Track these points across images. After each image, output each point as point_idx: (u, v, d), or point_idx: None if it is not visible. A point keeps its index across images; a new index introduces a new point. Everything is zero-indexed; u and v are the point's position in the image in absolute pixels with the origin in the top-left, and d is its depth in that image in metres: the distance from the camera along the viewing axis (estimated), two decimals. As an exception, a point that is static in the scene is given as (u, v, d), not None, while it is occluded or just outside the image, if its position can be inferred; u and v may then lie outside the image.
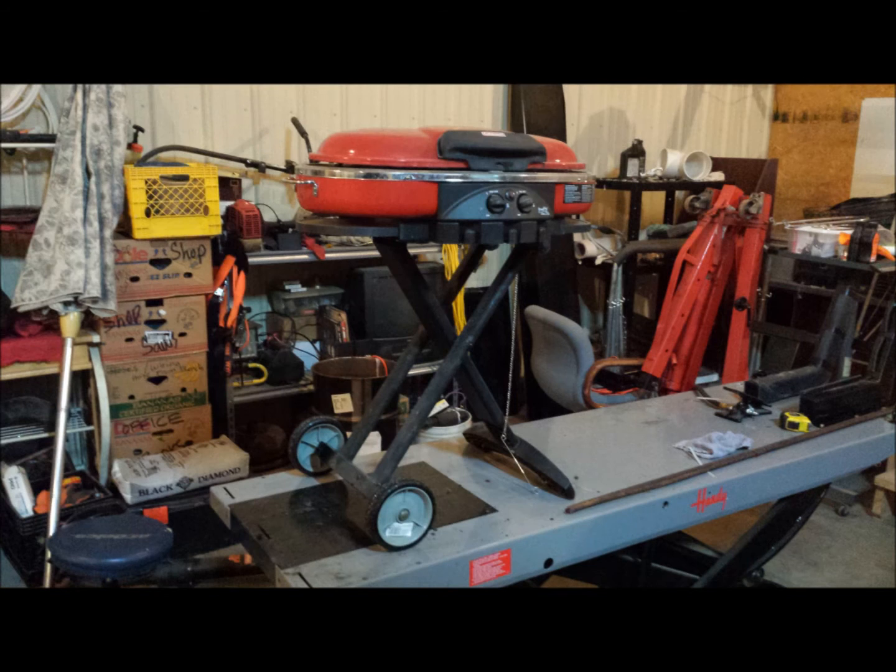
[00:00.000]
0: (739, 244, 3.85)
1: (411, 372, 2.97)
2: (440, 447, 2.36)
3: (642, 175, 4.56)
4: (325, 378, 3.56)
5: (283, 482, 2.09)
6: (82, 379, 3.40)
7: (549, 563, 1.87)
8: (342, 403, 3.48)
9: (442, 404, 3.98)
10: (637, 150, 4.57)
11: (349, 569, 1.66)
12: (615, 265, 4.26)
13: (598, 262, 4.47)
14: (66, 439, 3.06)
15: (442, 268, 4.18)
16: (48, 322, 3.09)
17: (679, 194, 5.08)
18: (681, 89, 5.20)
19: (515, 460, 2.09)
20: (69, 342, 2.97)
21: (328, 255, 3.71)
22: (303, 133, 3.76)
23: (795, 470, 2.32)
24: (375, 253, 3.42)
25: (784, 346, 4.59)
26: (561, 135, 4.50)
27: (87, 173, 2.94)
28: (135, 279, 3.19)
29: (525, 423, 2.61)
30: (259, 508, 1.94)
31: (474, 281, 4.55)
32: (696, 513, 2.12)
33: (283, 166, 3.86)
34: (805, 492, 2.47)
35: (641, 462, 2.23)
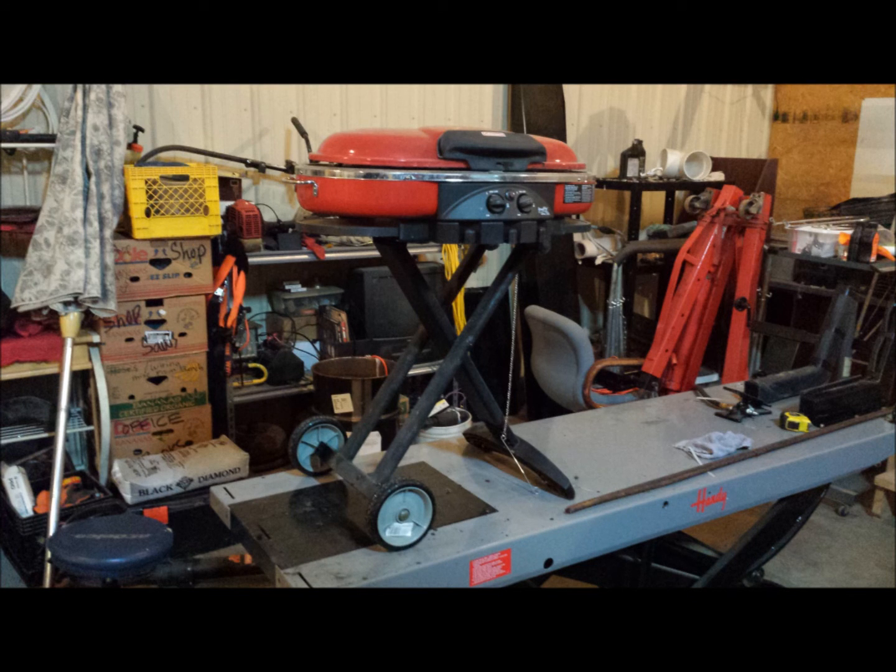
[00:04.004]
0: (739, 244, 3.85)
1: (411, 372, 2.98)
2: (440, 447, 2.36)
3: (642, 175, 4.56)
4: (325, 378, 3.56)
5: (283, 482, 2.09)
6: (82, 379, 3.40)
7: (549, 563, 1.87)
8: (342, 403, 3.48)
9: (442, 404, 3.97)
10: (637, 150, 4.57)
11: (349, 569, 1.66)
12: (615, 265, 4.26)
13: (598, 262, 4.47)
14: (66, 439, 3.06)
15: (442, 268, 4.18)
16: (48, 322, 3.09)
17: (679, 194, 5.08)
18: (681, 89, 5.20)
19: (515, 460, 2.09)
20: (69, 342, 2.98)
21: (328, 255, 3.71)
22: (303, 133, 3.76)
23: (795, 470, 2.33)
24: (375, 253, 3.43)
25: (784, 346, 4.59)
26: (561, 135, 4.50)
27: (87, 173, 2.94)
28: (135, 279, 3.19)
29: (525, 423, 2.61)
30: (259, 508, 1.94)
31: (474, 281, 4.55)
32: (696, 513, 2.12)
33: (283, 166, 3.86)
34: (805, 492, 2.47)
35: (641, 462, 2.24)
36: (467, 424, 3.87)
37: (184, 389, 3.38)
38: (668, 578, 2.51)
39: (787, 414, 2.54)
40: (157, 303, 3.26)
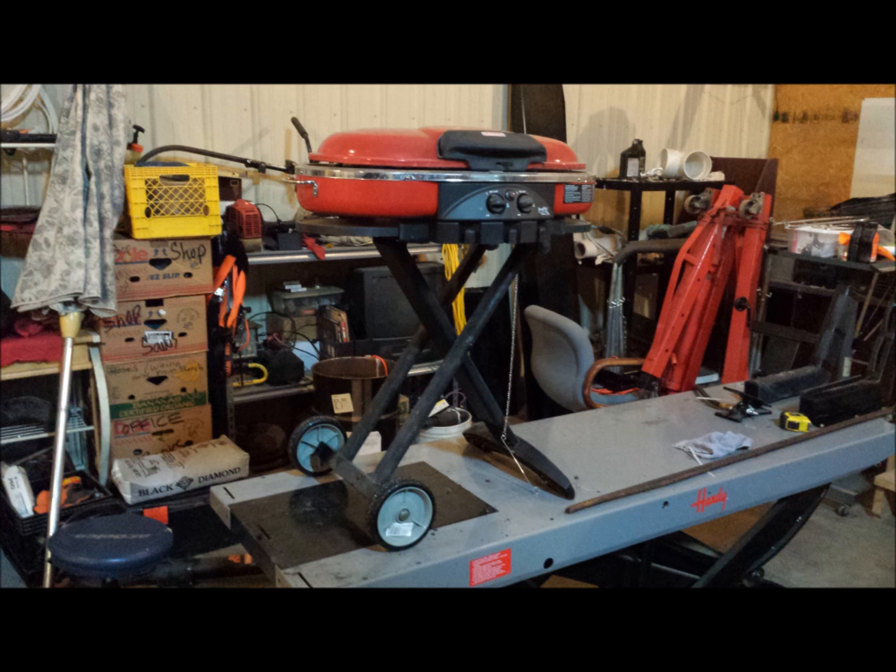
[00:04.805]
0: (739, 244, 3.85)
1: (411, 372, 2.98)
2: (440, 447, 2.36)
3: (642, 175, 4.56)
4: (325, 378, 3.56)
5: (283, 482, 2.09)
6: (82, 379, 3.40)
7: (549, 563, 1.87)
8: (342, 403, 3.48)
9: (442, 404, 3.97)
10: (637, 150, 4.57)
11: (349, 569, 1.66)
12: (615, 265, 4.26)
13: (598, 262, 4.47)
14: (66, 439, 3.06)
15: (442, 268, 4.18)
16: (48, 322, 3.09)
17: (679, 194, 5.08)
18: (681, 89, 5.20)
19: (515, 460, 2.09)
20: (69, 342, 2.97)
21: (328, 255, 3.71)
22: (303, 133, 3.76)
23: (795, 470, 2.33)
24: (375, 253, 3.43)
25: (784, 346, 4.59)
26: (561, 135, 4.50)
27: (87, 173, 2.94)
28: (135, 279, 3.19)
29: (525, 423, 2.61)
30: (259, 508, 1.94)
31: (474, 281, 4.55)
32: (696, 513, 2.12)
33: (283, 166, 3.86)
34: (805, 492, 2.47)
35: (641, 462, 2.23)
36: (467, 424, 3.87)
37: (184, 389, 3.38)
38: (668, 578, 2.51)
39: (787, 414, 2.54)
40: (157, 303, 3.26)
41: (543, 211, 1.75)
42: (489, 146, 1.68)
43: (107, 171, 2.96)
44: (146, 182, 3.10)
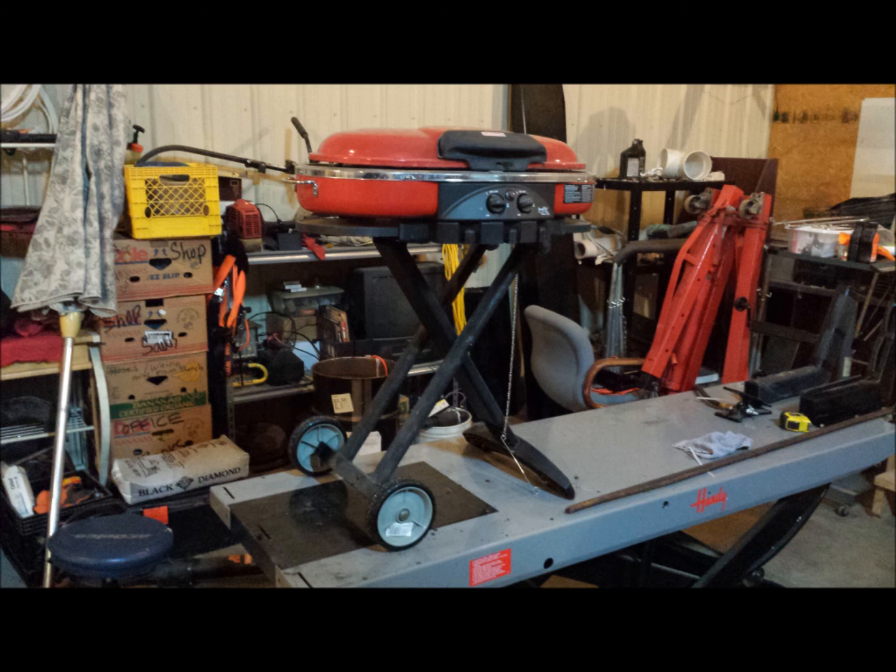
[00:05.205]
0: (739, 244, 3.85)
1: (411, 372, 2.98)
2: (440, 447, 2.36)
3: (642, 175, 4.56)
4: (325, 378, 3.56)
5: (283, 482, 2.09)
6: (82, 379, 3.40)
7: (549, 563, 1.87)
8: (342, 403, 3.48)
9: (442, 404, 3.97)
10: (637, 150, 4.57)
11: (349, 569, 1.66)
12: (615, 265, 4.26)
13: (598, 262, 4.47)
14: (66, 439, 3.06)
15: (442, 268, 4.18)
16: (48, 322, 3.09)
17: (679, 194, 5.08)
18: (681, 89, 5.20)
19: (515, 460, 2.09)
20: (69, 342, 2.97)
21: (328, 255, 3.72)
22: (303, 133, 3.76)
23: (795, 470, 2.33)
24: (375, 253, 3.43)
25: (784, 346, 4.59)
26: (561, 135, 4.50)
27: (87, 173, 2.94)
28: (135, 279, 3.19)
29: (525, 423, 2.61)
30: (259, 508, 1.94)
31: (474, 281, 4.55)
32: (696, 513, 2.12)
33: (283, 166, 3.86)
34: (805, 492, 2.47)
35: (641, 462, 2.23)
36: (467, 424, 3.87)
37: (184, 389, 3.38)
38: (668, 578, 2.51)
39: (787, 414, 2.54)
40: (157, 303, 3.26)
41: (543, 211, 1.75)
42: (489, 146, 1.68)
43: (107, 171, 2.96)
44: (146, 182, 3.10)
